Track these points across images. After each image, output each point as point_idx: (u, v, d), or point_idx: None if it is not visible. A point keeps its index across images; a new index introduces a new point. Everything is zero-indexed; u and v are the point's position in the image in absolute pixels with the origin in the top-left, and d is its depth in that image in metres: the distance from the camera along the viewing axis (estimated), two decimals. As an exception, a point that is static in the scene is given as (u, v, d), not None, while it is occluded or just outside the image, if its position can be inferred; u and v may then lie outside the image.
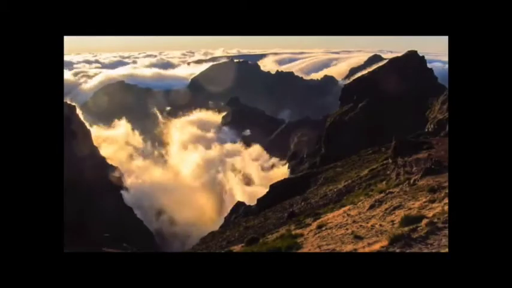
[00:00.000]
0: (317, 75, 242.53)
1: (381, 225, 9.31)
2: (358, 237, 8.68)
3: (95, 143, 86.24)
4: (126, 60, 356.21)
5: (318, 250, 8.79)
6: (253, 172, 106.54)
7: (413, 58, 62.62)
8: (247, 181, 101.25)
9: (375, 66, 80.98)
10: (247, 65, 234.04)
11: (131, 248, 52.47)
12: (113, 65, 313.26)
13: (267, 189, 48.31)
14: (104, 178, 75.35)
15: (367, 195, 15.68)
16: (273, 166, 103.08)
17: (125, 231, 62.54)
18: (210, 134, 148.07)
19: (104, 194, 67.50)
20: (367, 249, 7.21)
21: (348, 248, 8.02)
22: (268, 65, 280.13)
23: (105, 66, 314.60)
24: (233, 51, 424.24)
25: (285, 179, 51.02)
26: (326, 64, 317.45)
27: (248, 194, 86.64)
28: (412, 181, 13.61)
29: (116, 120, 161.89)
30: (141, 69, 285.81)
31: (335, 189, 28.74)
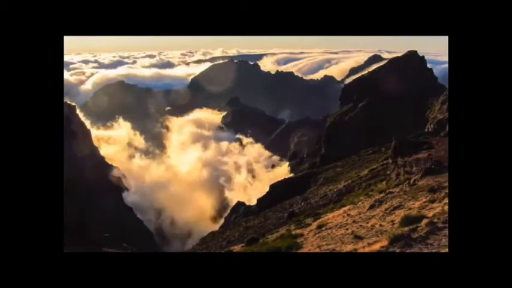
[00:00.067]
0: (317, 75, 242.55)
1: (381, 225, 9.31)
2: (358, 237, 8.68)
3: (95, 143, 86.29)
4: (126, 60, 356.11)
5: (318, 250, 8.79)
6: (253, 172, 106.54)
7: (413, 58, 62.63)
8: (247, 181, 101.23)
9: (374, 66, 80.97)
10: (247, 65, 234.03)
11: (131, 248, 52.48)
12: (112, 65, 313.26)
13: (267, 189, 48.34)
14: (104, 178, 75.35)
15: (367, 195, 15.68)
16: (273, 166, 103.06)
17: (125, 231, 62.53)
18: (210, 134, 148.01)
19: (104, 194, 67.49)
20: (367, 249, 7.21)
21: (348, 248, 8.02)
22: (268, 65, 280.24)
23: (104, 66, 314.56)
24: (233, 51, 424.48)
25: (285, 179, 51.03)
26: (326, 64, 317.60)
27: (248, 194, 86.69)
28: (412, 181, 13.61)
29: (116, 120, 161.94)
30: (141, 69, 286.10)
31: (335, 189, 28.74)
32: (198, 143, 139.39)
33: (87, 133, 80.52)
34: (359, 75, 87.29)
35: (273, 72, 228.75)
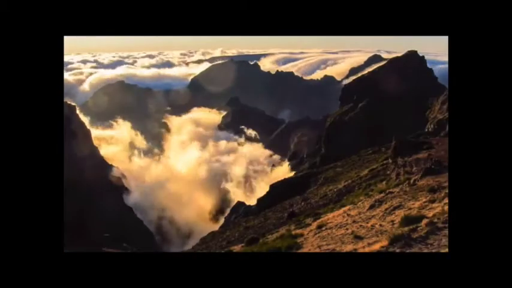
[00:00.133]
0: (317, 75, 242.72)
1: (381, 225, 9.30)
2: (358, 237, 8.68)
3: (95, 143, 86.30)
4: (126, 60, 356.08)
5: (318, 250, 8.79)
6: (253, 172, 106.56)
7: (413, 58, 62.63)
8: (247, 181, 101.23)
9: (374, 66, 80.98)
10: (247, 65, 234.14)
11: (131, 248, 52.51)
12: (112, 65, 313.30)
13: (267, 189, 48.36)
14: (104, 178, 75.40)
15: (367, 195, 15.67)
16: (273, 166, 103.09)
17: (125, 231, 62.57)
18: (210, 134, 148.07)
19: (104, 194, 67.54)
20: (367, 249, 7.21)
21: (348, 248, 8.02)
22: (268, 65, 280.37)
23: (104, 66, 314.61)
24: (233, 51, 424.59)
25: (285, 179, 51.05)
26: (326, 64, 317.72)
27: (248, 194, 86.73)
28: (412, 181, 13.61)
29: (116, 120, 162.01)
30: (141, 69, 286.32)
31: (335, 189, 28.75)
32: (197, 142, 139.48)
33: (87, 133, 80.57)
34: (359, 75, 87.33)
35: (273, 72, 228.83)
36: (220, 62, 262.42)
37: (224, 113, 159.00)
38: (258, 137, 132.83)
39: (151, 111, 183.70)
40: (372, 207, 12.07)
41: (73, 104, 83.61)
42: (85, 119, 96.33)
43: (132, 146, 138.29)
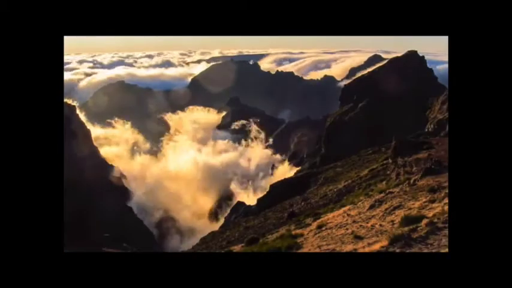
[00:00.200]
0: (317, 75, 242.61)
1: (381, 225, 9.30)
2: (358, 237, 8.67)
3: (95, 143, 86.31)
4: (126, 60, 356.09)
5: (318, 250, 8.79)
6: (253, 172, 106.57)
7: (413, 58, 62.63)
8: (247, 181, 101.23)
9: (374, 67, 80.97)
10: (247, 65, 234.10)
11: (131, 248, 52.53)
12: (112, 65, 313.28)
13: (267, 189, 48.36)
14: (104, 178, 75.40)
15: (367, 195, 15.67)
16: (273, 166, 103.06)
17: (125, 231, 62.57)
18: (210, 134, 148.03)
19: (104, 194, 67.53)
20: (367, 249, 7.21)
21: (348, 248, 8.02)
22: (267, 65, 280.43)
23: (104, 66, 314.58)
24: (233, 51, 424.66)
25: (285, 179, 51.06)
26: (326, 64, 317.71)
27: (248, 194, 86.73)
28: (412, 181, 13.60)
29: (116, 120, 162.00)
30: (141, 69, 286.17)
31: (335, 189, 28.75)
32: (197, 142, 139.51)
33: (87, 133, 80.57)
34: (359, 75, 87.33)
35: (273, 72, 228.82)
36: (220, 62, 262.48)
37: (224, 113, 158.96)
38: (258, 136, 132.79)
39: (151, 111, 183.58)
40: (372, 207, 12.06)
41: (73, 104, 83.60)
42: (85, 119, 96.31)
43: (132, 145, 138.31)
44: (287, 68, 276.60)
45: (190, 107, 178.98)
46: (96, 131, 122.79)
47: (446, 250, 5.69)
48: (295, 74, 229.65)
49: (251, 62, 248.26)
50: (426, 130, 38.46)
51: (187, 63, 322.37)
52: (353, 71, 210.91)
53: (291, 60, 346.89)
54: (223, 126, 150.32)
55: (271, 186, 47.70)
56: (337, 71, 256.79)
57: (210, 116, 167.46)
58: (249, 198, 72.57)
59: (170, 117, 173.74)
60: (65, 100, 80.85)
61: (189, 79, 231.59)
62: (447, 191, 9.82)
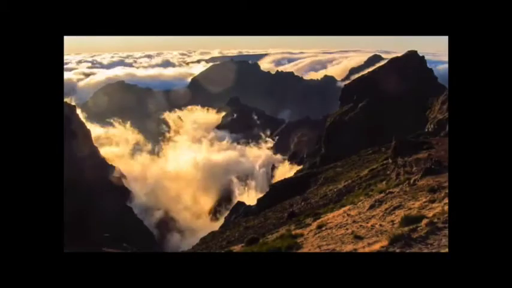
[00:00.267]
0: (317, 75, 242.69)
1: (381, 225, 9.30)
2: (358, 237, 8.67)
3: (95, 143, 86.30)
4: (126, 60, 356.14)
5: (318, 250, 8.79)
6: (253, 172, 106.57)
7: (413, 58, 62.63)
8: (247, 181, 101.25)
9: (374, 66, 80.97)
10: (247, 65, 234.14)
11: (131, 248, 52.55)
12: (112, 65, 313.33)
13: (267, 189, 48.36)
14: (104, 178, 75.42)
15: (367, 195, 15.67)
16: (273, 166, 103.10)
17: (125, 231, 62.60)
18: (210, 134, 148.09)
19: (104, 194, 67.54)
20: (367, 249, 7.21)
21: (348, 248, 8.02)
22: (267, 65, 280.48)
23: (104, 66, 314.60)
24: (233, 51, 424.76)
25: (285, 179, 51.07)
26: (326, 64, 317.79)
27: (248, 194, 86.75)
28: (412, 181, 13.60)
29: (116, 120, 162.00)
30: (141, 69, 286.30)
31: (335, 189, 28.75)
32: (197, 142, 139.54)
33: (87, 133, 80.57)
34: (359, 75, 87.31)
35: (273, 72, 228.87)
36: (220, 62, 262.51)
37: (224, 113, 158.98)
38: (257, 136, 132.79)
39: (151, 111, 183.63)
40: (372, 207, 12.06)
41: (73, 104, 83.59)
42: (85, 119, 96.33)
43: (132, 146, 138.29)
44: (287, 68, 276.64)
45: (190, 107, 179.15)
46: (96, 131, 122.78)
47: (446, 250, 5.69)
48: (295, 74, 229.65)
49: (251, 62, 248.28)
50: (426, 130, 38.46)
51: (187, 63, 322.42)
52: (353, 71, 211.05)
53: (290, 60, 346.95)
54: (223, 126, 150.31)
55: (271, 186, 47.74)
56: (337, 71, 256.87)
57: (210, 116, 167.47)
58: (249, 198, 72.57)
59: (170, 117, 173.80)
60: (65, 100, 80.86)
61: (189, 79, 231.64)
62: (447, 191, 9.82)
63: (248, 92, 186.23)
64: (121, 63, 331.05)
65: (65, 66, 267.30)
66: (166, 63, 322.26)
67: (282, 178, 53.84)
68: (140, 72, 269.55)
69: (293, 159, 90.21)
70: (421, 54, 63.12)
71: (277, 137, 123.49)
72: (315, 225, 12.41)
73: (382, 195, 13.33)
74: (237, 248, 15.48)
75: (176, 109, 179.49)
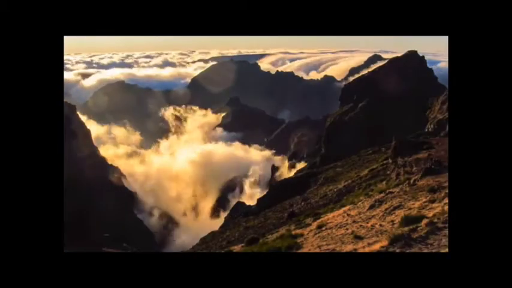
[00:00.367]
0: (317, 75, 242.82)
1: (381, 225, 9.30)
2: (358, 237, 8.67)
3: (95, 143, 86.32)
4: (126, 60, 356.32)
5: (318, 250, 8.79)
6: (253, 172, 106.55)
7: (413, 58, 62.64)
8: (247, 181, 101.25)
9: (374, 66, 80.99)
10: (247, 65, 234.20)
11: (131, 248, 52.56)
12: (112, 65, 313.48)
13: (267, 189, 48.35)
14: (104, 178, 75.41)
15: (367, 195, 15.67)
16: (273, 166, 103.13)
17: (125, 231, 62.62)
18: (210, 134, 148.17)
19: (104, 194, 67.55)
20: (367, 249, 7.21)
21: (348, 248, 8.02)
22: (267, 65, 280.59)
23: (104, 66, 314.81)
24: (232, 51, 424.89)
25: (285, 179, 51.07)
26: (326, 64, 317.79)
27: (248, 194, 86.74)
28: (412, 181, 13.60)
29: (116, 120, 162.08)
30: (141, 69, 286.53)
31: (335, 189, 28.75)
32: (197, 142, 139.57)
33: (87, 133, 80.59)
34: (359, 75, 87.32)
35: (272, 72, 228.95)
36: (219, 62, 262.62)
37: (224, 113, 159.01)
38: (258, 137, 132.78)
39: (151, 111, 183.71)
40: (372, 207, 12.06)
41: (73, 104, 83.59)
42: (85, 119, 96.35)
43: (131, 145, 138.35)
44: (287, 68, 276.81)
45: (190, 106, 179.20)
46: (96, 131, 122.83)
47: (446, 250, 5.69)
48: (295, 74, 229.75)
49: (251, 62, 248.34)
50: (426, 130, 38.46)
51: (187, 63, 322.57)
52: (353, 71, 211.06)
53: (290, 60, 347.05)
54: (223, 126, 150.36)
55: (271, 186, 47.72)
56: (337, 71, 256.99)
57: (210, 116, 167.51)
58: (249, 198, 72.59)
59: (170, 117, 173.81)
60: (65, 100, 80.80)
61: (189, 79, 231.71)
62: (447, 191, 9.82)
63: (248, 92, 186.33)
64: (121, 63, 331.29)
65: (64, 66, 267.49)
66: (166, 64, 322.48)
67: (282, 178, 53.82)
68: (140, 72, 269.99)
69: (293, 159, 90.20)
70: (421, 54, 63.15)
71: (277, 137, 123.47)
72: (315, 225, 12.41)
73: (382, 195, 13.33)
74: (237, 248, 15.48)
75: (176, 109, 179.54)
